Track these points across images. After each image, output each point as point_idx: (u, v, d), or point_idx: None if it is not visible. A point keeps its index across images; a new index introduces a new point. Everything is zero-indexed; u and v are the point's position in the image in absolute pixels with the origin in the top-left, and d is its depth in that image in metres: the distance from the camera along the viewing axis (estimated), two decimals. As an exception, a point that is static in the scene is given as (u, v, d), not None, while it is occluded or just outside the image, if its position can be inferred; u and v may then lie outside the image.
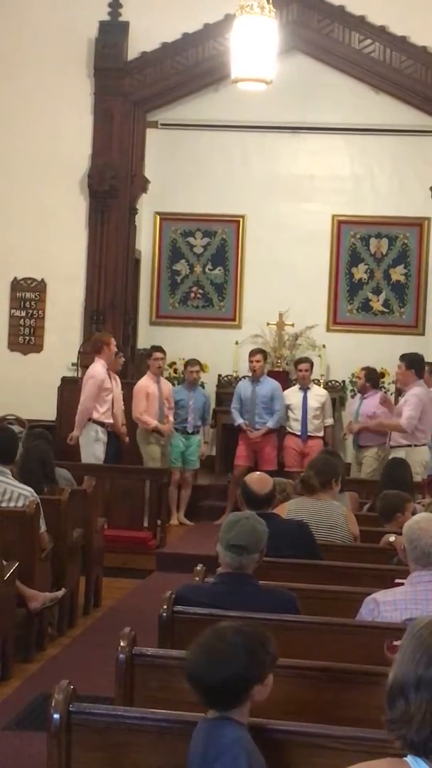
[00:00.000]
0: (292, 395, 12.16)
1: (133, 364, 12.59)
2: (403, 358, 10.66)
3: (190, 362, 12.32)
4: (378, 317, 13.76)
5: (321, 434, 12.18)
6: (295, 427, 12.07)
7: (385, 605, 4.47)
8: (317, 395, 12.18)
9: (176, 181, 13.81)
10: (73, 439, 10.99)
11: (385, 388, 12.69)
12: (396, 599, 4.48)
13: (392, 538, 6.52)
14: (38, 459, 7.81)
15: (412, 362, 10.56)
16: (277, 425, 11.91)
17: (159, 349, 11.87)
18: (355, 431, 11.64)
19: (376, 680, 2.49)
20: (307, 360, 12.30)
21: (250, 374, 12.08)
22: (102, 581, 8.91)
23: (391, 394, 12.31)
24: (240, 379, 12.86)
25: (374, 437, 11.59)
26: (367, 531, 6.82)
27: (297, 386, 12.24)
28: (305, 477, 6.68)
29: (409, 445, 10.32)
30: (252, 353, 12.07)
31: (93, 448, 10.86)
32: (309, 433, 12.07)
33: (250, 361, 11.96)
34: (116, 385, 11.14)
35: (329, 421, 12.22)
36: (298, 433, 12.07)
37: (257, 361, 11.97)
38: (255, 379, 11.97)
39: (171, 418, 11.75)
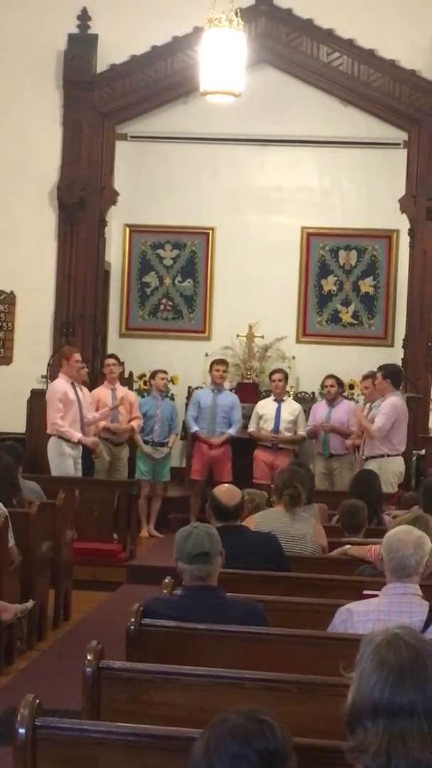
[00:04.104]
0: (266, 406, 12.19)
1: (102, 376, 12.56)
2: (380, 369, 10.74)
3: (159, 371, 12.36)
4: (347, 329, 13.80)
5: (291, 447, 12.20)
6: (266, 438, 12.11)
7: (358, 615, 4.46)
8: (291, 408, 12.20)
9: (146, 193, 13.81)
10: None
11: (355, 399, 12.74)
12: (369, 610, 4.47)
13: (348, 547, 6.57)
14: (2, 469, 7.75)
15: (388, 373, 10.60)
16: (237, 434, 12.02)
17: (112, 356, 12.22)
18: (328, 430, 11.72)
19: (344, 692, 2.48)
20: (281, 371, 12.35)
21: (211, 384, 12.19)
22: (71, 594, 8.88)
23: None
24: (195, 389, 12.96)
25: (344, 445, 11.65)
26: (336, 542, 6.83)
27: (271, 398, 12.27)
28: (293, 492, 6.62)
29: (383, 455, 10.37)
30: (217, 363, 12.21)
31: (60, 463, 10.83)
32: (279, 446, 12.10)
33: (216, 371, 12.08)
34: (83, 396, 11.14)
35: (302, 432, 12.22)
36: (269, 445, 12.08)
37: (224, 371, 12.14)
38: (217, 389, 12.11)
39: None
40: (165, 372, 12.37)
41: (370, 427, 10.39)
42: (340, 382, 12.15)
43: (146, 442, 12.12)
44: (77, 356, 11.14)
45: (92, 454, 11.38)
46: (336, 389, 12.03)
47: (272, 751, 2.29)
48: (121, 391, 11.99)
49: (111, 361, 12.08)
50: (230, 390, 12.96)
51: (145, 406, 12.21)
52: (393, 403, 10.43)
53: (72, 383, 10.99)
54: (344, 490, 10.80)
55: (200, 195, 13.79)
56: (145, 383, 13.40)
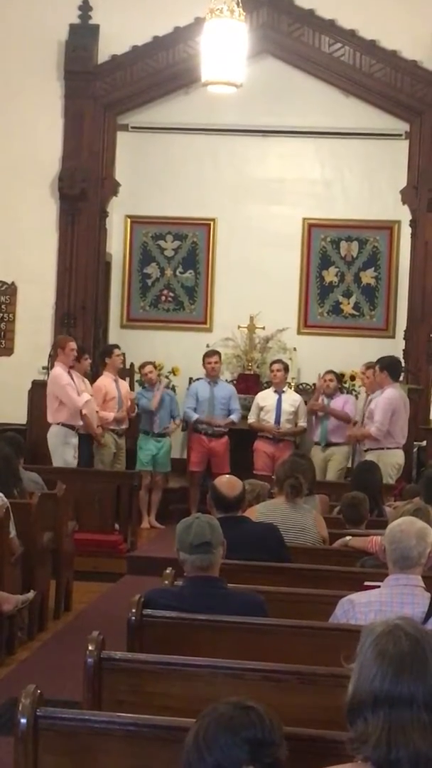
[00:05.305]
0: (267, 398, 12.17)
1: (104, 366, 12.55)
2: (378, 361, 10.76)
3: (143, 365, 12.36)
4: (348, 320, 13.79)
5: (292, 438, 12.20)
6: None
7: (360, 606, 4.46)
8: (292, 399, 12.20)
9: (147, 184, 13.79)
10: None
11: (355, 391, 12.74)
12: (371, 601, 4.47)
13: (349, 539, 6.57)
14: (3, 460, 7.75)
15: (386, 365, 10.61)
16: (239, 421, 12.03)
17: (117, 346, 12.23)
18: (322, 409, 11.72)
19: (345, 683, 2.48)
20: (280, 361, 12.34)
21: (206, 377, 12.21)
22: (72, 585, 8.89)
23: (357, 396, 12.36)
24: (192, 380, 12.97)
25: (345, 434, 11.64)
26: (337, 534, 6.83)
27: (272, 389, 12.26)
28: (295, 482, 6.62)
29: (381, 448, 10.37)
30: (209, 355, 12.22)
31: (62, 452, 10.84)
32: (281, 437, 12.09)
33: (209, 363, 12.10)
34: (85, 388, 11.15)
35: (303, 423, 12.21)
36: (270, 437, 12.07)
37: (216, 363, 12.16)
38: (213, 380, 12.13)
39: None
40: (151, 363, 12.36)
41: (369, 434, 10.41)
42: (338, 377, 12.15)
43: (146, 433, 12.13)
44: (72, 345, 11.14)
45: (97, 443, 11.38)
46: (335, 384, 12.03)
47: (261, 740, 2.30)
48: (122, 384, 12.02)
49: (120, 351, 12.12)
50: (231, 381, 12.96)
51: (140, 401, 12.21)
52: (388, 396, 10.43)
53: (69, 372, 11.01)
54: (333, 479, 10.95)
55: (201, 186, 13.78)
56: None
